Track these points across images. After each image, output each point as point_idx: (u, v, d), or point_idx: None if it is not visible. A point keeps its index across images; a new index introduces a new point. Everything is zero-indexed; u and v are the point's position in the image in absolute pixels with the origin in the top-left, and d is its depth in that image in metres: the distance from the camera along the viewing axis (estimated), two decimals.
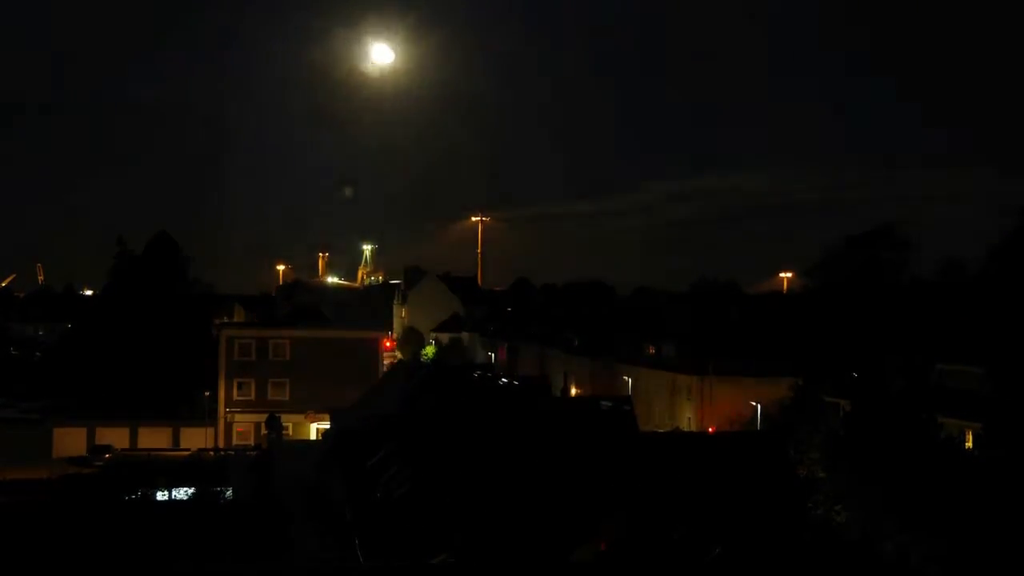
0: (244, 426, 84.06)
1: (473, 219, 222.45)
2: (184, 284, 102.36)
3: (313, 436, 79.11)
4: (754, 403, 69.38)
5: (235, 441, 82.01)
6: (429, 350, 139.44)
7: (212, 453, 74.75)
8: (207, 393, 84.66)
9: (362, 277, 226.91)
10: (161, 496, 55.06)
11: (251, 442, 79.07)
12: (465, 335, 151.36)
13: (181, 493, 54.86)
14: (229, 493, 52.19)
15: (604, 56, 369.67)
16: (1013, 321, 52.29)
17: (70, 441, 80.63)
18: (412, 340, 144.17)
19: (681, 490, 36.19)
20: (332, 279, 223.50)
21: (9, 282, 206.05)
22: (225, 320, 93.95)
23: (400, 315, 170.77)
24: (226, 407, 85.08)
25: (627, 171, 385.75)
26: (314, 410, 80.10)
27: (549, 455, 38.36)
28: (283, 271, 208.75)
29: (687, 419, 78.89)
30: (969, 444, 47.58)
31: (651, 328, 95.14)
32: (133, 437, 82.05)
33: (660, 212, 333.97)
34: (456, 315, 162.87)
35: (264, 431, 70.14)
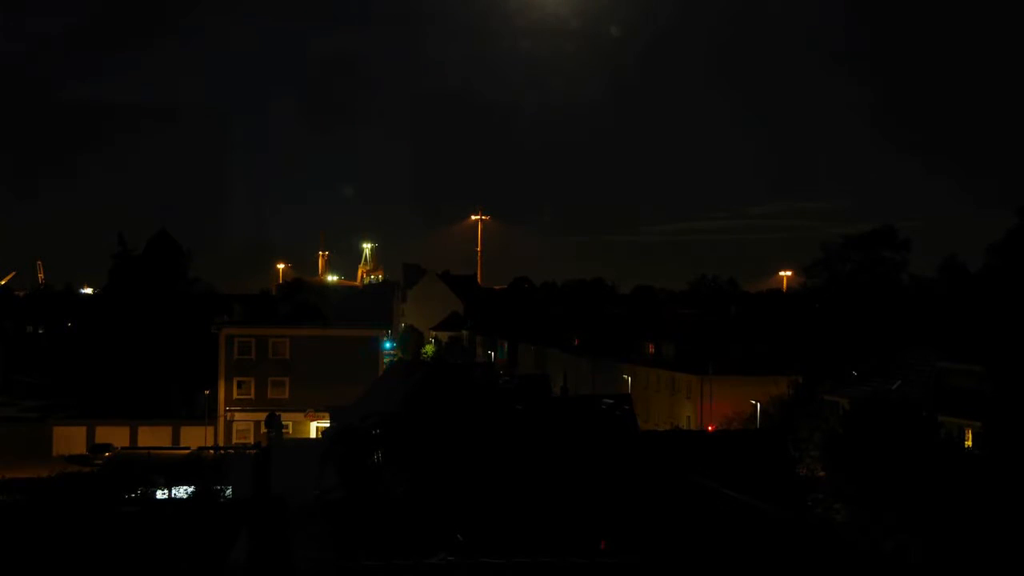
0: (244, 425, 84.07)
1: (473, 217, 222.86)
2: (184, 283, 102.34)
3: (313, 435, 79.10)
4: (754, 402, 69.42)
5: (235, 440, 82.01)
6: (429, 348, 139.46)
7: (212, 452, 74.65)
8: (207, 392, 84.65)
9: (362, 275, 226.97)
10: (161, 495, 55.11)
11: (251, 441, 79.07)
12: (465, 333, 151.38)
13: (181, 492, 54.87)
14: (229, 492, 52.13)
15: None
16: (1013, 320, 52.32)
17: (70, 439, 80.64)
18: (412, 339, 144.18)
19: (681, 488, 36.22)
20: (332, 277, 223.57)
21: (9, 280, 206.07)
22: (225, 319, 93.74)
23: (400, 313, 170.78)
24: (226, 406, 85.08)
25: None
26: (314, 409, 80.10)
27: (549, 453, 38.38)
28: (283, 269, 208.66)
29: (687, 418, 78.95)
30: (969, 443, 47.62)
31: (651, 327, 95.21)
32: (133, 436, 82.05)
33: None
34: (456, 313, 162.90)
35: (264, 430, 70.12)
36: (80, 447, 79.26)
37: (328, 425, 70.62)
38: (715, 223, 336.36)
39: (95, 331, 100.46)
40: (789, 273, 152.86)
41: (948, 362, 56.06)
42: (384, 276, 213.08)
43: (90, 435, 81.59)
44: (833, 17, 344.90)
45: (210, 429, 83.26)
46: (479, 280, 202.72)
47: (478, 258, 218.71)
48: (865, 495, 39.27)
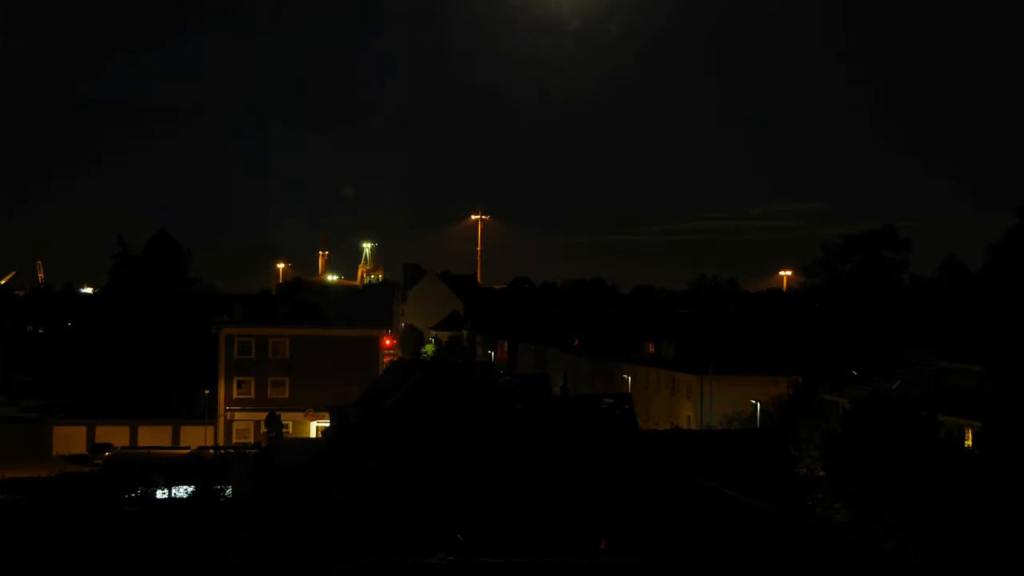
0: (244, 425, 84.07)
1: (473, 217, 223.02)
2: (184, 283, 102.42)
3: (313, 434, 79.11)
4: (754, 401, 69.41)
5: (235, 439, 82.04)
6: (429, 348, 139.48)
7: (212, 451, 74.73)
8: (207, 391, 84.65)
9: (362, 275, 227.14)
10: (161, 494, 55.14)
11: (251, 440, 79.11)
12: (465, 333, 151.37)
13: (181, 491, 54.91)
14: (229, 491, 52.17)
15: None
16: (1013, 320, 52.31)
17: (70, 439, 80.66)
18: (411, 338, 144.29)
19: (681, 488, 36.20)
20: (332, 277, 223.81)
21: (9, 280, 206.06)
22: (225, 319, 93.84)
23: (400, 313, 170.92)
24: (226, 405, 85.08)
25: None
26: (314, 408, 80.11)
27: (549, 453, 38.37)
28: (283, 269, 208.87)
29: (687, 417, 78.92)
30: (969, 442, 47.63)
31: (651, 327, 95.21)
32: (133, 435, 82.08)
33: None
34: (456, 313, 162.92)
35: (264, 429, 70.17)
36: (80, 447, 79.25)
37: (328, 425, 70.64)
38: (715, 223, 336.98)
39: (95, 331, 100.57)
40: (789, 273, 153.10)
41: (948, 362, 56.06)
42: (384, 276, 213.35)
43: (90, 435, 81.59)
44: (833, 17, 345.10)
45: (210, 429, 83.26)
46: (479, 280, 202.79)
47: (478, 258, 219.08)
48: (865, 495, 39.28)
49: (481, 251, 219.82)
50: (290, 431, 76.60)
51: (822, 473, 45.68)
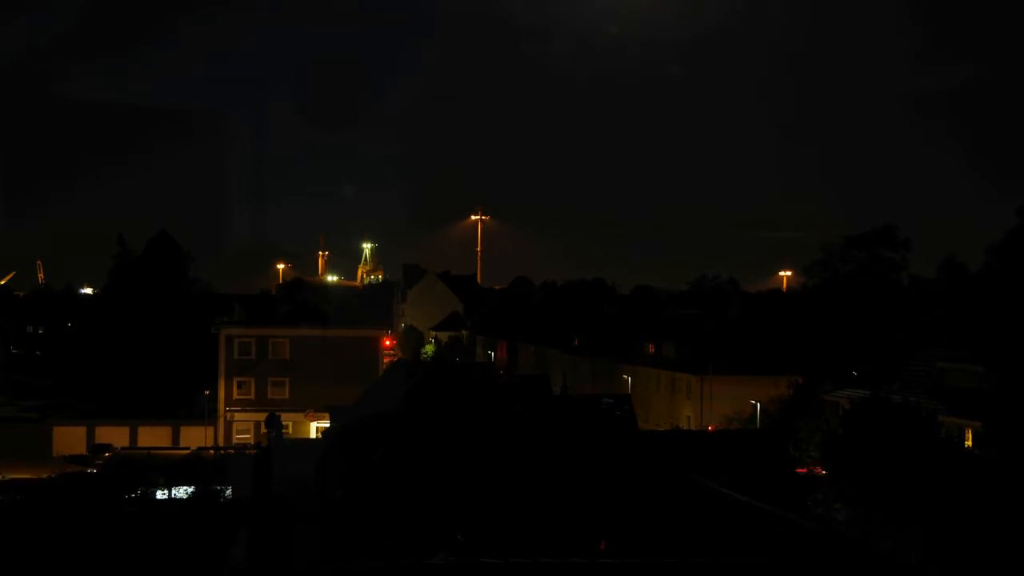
0: (244, 425, 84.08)
1: (473, 217, 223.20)
2: (184, 283, 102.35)
3: (313, 435, 79.11)
4: (754, 401, 69.43)
5: (235, 440, 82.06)
6: (429, 348, 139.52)
7: (212, 452, 74.76)
8: (207, 392, 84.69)
9: (362, 276, 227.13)
10: (161, 495, 55.17)
11: (251, 440, 79.11)
12: (465, 333, 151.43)
13: (181, 492, 54.94)
14: (229, 492, 52.19)
15: None
16: (1013, 320, 52.33)
17: (70, 440, 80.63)
18: (412, 338, 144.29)
19: (681, 488, 36.22)
20: (332, 277, 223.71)
21: (9, 280, 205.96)
22: (225, 319, 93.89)
23: (400, 313, 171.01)
24: (226, 406, 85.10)
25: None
26: (314, 409, 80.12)
27: (549, 453, 38.38)
28: (283, 270, 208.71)
29: (686, 417, 78.97)
30: (969, 443, 47.66)
31: (651, 327, 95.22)
32: (133, 436, 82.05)
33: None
34: (455, 313, 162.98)
35: (264, 430, 70.14)
36: (80, 447, 79.22)
37: (328, 425, 70.64)
38: (715, 223, 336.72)
39: (95, 331, 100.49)
40: (789, 273, 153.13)
41: (948, 362, 56.08)
42: (384, 276, 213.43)
43: (90, 435, 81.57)
44: (833, 16, 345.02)
45: (210, 429, 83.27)
46: (479, 280, 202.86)
47: (478, 258, 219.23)
48: (865, 495, 39.30)
49: (481, 251, 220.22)
50: (290, 431, 76.55)
51: (822, 472, 45.71)
